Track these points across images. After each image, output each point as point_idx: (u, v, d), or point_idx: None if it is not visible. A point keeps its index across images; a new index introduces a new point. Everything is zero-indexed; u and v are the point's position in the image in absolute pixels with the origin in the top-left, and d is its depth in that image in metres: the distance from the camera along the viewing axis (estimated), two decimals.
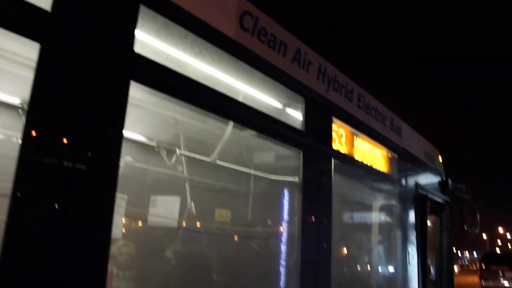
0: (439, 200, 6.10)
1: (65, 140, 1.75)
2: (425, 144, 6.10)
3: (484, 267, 24.59)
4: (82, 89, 1.85)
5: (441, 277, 6.23)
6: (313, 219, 3.32)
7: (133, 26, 2.14)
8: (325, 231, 3.44)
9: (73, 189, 1.76)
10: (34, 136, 1.65)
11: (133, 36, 2.14)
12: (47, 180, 1.68)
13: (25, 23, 1.69)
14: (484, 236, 72.06)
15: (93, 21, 1.92)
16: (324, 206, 3.46)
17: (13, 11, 1.65)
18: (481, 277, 24.60)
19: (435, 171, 6.27)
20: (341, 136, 3.92)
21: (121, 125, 2.00)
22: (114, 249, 3.79)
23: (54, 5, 1.75)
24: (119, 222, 3.81)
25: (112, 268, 3.77)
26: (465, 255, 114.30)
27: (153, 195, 4.35)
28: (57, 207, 1.69)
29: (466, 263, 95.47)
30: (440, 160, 6.60)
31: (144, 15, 2.23)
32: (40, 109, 1.70)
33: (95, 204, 1.85)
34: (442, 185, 6.36)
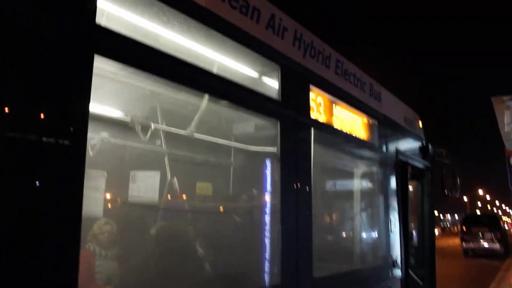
0: (420, 165, 6.13)
1: (29, 117, 1.67)
2: (405, 110, 6.08)
3: (464, 229, 25.19)
4: (43, 64, 1.74)
5: (423, 241, 6.33)
6: (293, 189, 3.28)
7: None
8: (305, 200, 3.40)
9: (39, 166, 1.68)
10: None
11: (94, 8, 2.02)
12: (12, 156, 1.60)
13: None
14: (465, 198, 73.80)
15: None
16: (303, 176, 3.42)
17: None
18: (462, 239, 25.25)
19: (415, 136, 6.28)
20: (319, 105, 3.85)
21: (86, 101, 1.90)
22: (95, 228, 3.71)
23: None
24: (99, 200, 3.71)
25: (94, 247, 3.72)
26: (446, 217, 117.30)
27: (133, 171, 4.27)
28: (23, 183, 1.62)
29: (448, 226, 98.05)
30: (421, 125, 6.60)
31: None
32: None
33: (63, 181, 1.77)
34: (423, 150, 6.38)
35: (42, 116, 1.72)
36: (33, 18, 1.72)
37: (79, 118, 1.88)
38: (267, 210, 3.60)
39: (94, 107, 2.33)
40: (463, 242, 24.93)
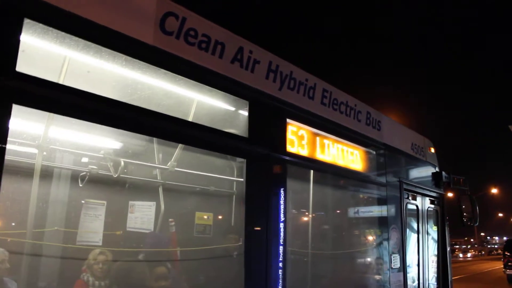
0: (430, 193, 5.75)
1: None
2: (413, 136, 5.74)
3: (508, 254, 23.71)
4: None
5: (438, 272, 5.90)
6: (259, 231, 3.04)
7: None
8: (273, 242, 3.15)
9: None
10: None
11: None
12: None
13: None
14: None
15: None
16: (271, 216, 3.17)
17: None
18: (505, 265, 23.72)
19: (426, 163, 5.91)
20: (301, 138, 3.62)
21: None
22: (90, 257, 3.62)
23: None
24: (99, 229, 3.82)
25: (88, 277, 3.61)
26: (493, 240, 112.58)
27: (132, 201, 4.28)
28: None
29: (496, 247, 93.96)
30: (433, 151, 6.23)
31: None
32: None
33: None
34: (435, 177, 6.01)
35: None
36: None
37: None
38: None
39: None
40: (507, 268, 23.45)
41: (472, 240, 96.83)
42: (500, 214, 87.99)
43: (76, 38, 2.35)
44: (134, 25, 2.55)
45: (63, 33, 2.28)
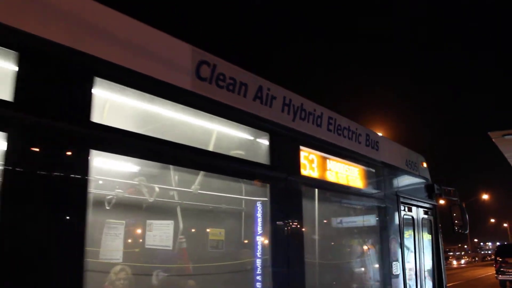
0: (423, 204, 6.31)
1: None
2: (407, 153, 6.30)
3: (499, 259, 23.78)
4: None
5: (433, 278, 6.43)
6: (283, 250, 3.58)
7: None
8: (295, 261, 3.68)
9: None
10: None
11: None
12: None
13: None
14: (505, 224, 71.59)
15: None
16: (293, 233, 3.70)
17: None
18: (497, 271, 23.73)
19: (419, 177, 6.47)
20: (311, 162, 4.16)
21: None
22: (112, 274, 4.01)
23: None
24: (119, 247, 4.25)
25: None
26: (486, 246, 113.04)
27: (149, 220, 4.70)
28: None
29: (489, 253, 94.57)
30: (425, 165, 6.80)
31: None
32: None
33: None
34: (428, 189, 6.57)
35: None
36: None
37: None
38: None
39: None
40: (499, 274, 23.56)
41: (465, 246, 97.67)
42: (492, 220, 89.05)
43: (133, 90, 2.86)
44: (173, 74, 3.05)
45: (124, 86, 2.80)
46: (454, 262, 64.32)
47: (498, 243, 47.07)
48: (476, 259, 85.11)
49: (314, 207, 4.66)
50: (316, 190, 4.36)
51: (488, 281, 26.95)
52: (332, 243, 5.92)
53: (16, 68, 2.15)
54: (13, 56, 2.17)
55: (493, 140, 7.98)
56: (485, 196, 48.76)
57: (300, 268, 3.69)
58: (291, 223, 3.68)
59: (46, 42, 2.25)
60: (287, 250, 3.59)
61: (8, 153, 2.02)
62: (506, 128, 7.64)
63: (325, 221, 5.38)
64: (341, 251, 5.95)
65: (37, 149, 2.17)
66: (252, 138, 3.95)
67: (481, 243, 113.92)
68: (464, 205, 7.12)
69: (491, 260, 69.60)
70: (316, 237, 4.82)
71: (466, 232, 6.87)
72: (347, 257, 5.81)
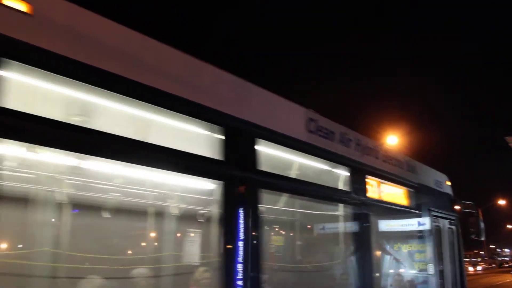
0: (449, 216, 7.98)
1: None
2: (434, 174, 8.03)
3: None
4: None
5: (456, 278, 8.09)
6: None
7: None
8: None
9: None
10: None
11: None
12: None
13: None
14: None
15: None
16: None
17: None
18: None
19: (444, 194, 8.18)
20: (372, 186, 5.86)
21: None
22: (197, 274, 4.58)
23: None
24: (197, 252, 5.02)
25: None
26: (503, 252, 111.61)
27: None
28: None
29: (506, 259, 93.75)
30: (449, 183, 8.50)
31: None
32: None
33: None
34: (451, 203, 8.28)
35: None
36: None
37: None
38: None
39: None
40: None
41: (482, 252, 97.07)
42: (509, 226, 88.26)
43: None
44: (292, 128, 4.76)
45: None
46: (471, 268, 63.69)
47: None
48: (493, 265, 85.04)
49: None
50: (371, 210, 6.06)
51: None
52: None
53: None
54: None
55: (509, 145, 9.41)
56: (501, 202, 48.44)
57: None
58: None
59: None
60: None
61: None
62: None
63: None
64: (398, 253, 7.78)
65: None
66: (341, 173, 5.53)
67: (498, 250, 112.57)
68: (480, 212, 8.78)
69: (509, 267, 69.33)
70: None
71: (482, 239, 8.55)
72: (402, 258, 7.66)
